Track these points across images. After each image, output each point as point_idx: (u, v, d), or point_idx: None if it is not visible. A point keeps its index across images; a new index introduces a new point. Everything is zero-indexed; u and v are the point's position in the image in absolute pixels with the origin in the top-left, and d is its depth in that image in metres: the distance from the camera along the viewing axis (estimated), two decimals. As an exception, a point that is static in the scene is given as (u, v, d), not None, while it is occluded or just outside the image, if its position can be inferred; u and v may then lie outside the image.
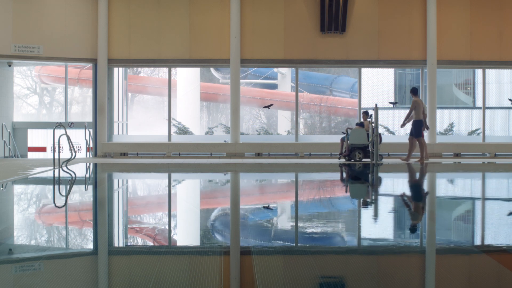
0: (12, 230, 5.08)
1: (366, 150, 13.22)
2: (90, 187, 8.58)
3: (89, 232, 5.11)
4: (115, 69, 15.99)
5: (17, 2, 14.73)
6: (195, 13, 15.41)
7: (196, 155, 15.47)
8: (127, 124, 17.35)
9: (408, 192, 8.62)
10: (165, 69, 16.65)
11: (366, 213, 6.16)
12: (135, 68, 19.48)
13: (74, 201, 7.08)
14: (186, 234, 5.11)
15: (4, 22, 14.60)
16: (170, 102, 15.79)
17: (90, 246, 4.56)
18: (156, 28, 15.40)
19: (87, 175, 10.89)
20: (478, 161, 14.58)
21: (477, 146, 15.67)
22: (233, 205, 6.88)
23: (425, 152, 13.11)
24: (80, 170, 11.36)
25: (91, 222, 5.63)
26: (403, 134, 15.24)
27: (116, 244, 4.58)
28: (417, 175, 11.12)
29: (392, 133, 16.67)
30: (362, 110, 14.28)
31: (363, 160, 13.25)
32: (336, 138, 15.19)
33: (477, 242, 4.70)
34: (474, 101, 17.50)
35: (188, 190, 8.83)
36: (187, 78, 19.00)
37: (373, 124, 12.66)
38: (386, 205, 6.95)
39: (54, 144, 11.34)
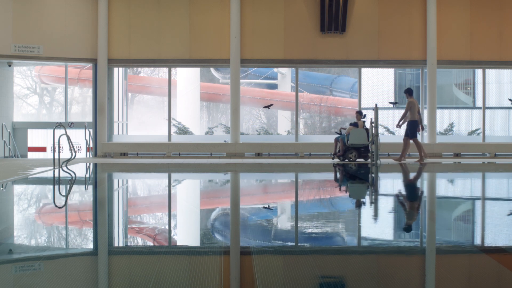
0: (12, 230, 5.08)
1: (360, 150, 13.23)
2: (90, 187, 8.58)
3: (89, 232, 5.11)
4: (115, 69, 15.99)
5: (17, 2, 14.73)
6: (195, 13, 15.41)
7: (196, 155, 15.47)
8: (127, 124, 17.35)
9: (408, 192, 8.62)
10: (165, 69, 16.65)
11: (366, 213, 6.15)
12: (135, 68, 19.47)
13: (74, 201, 7.08)
14: (186, 234, 5.11)
15: (4, 22, 14.60)
16: (170, 102, 15.79)
17: (90, 246, 4.56)
18: (156, 28, 15.41)
19: (87, 175, 10.89)
20: (478, 161, 14.58)
21: (477, 146, 15.67)
22: (233, 205, 6.88)
23: (423, 152, 13.13)
24: (80, 170, 11.36)
25: (91, 222, 5.63)
26: (403, 134, 15.22)
27: (116, 244, 4.58)
28: (416, 175, 11.12)
29: (392, 133, 16.67)
30: (356, 110, 14.29)
31: (357, 160, 13.27)
32: (336, 138, 15.19)
33: (477, 242, 4.70)
34: (474, 101, 17.50)
35: (188, 190, 8.83)
36: (187, 78, 19.00)
37: (373, 124, 12.65)
38: (386, 205, 6.95)
39: (54, 144, 11.34)
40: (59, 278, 3.41)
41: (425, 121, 15.58)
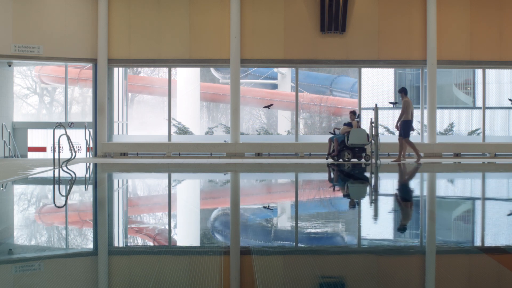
0: (12, 230, 5.08)
1: (354, 150, 13.25)
2: (90, 187, 8.58)
3: (89, 232, 5.11)
4: (115, 69, 15.99)
5: (17, 2, 14.73)
6: (195, 13, 15.41)
7: (196, 155, 15.47)
8: (127, 124, 17.35)
9: (408, 192, 8.62)
10: (165, 69, 16.65)
11: (366, 213, 6.15)
12: (135, 68, 19.47)
13: (74, 201, 7.08)
14: (186, 234, 5.11)
15: (4, 22, 14.60)
16: (170, 102, 15.79)
17: (90, 246, 4.56)
18: (156, 28, 15.41)
19: (87, 175, 10.89)
20: (478, 161, 14.58)
21: (477, 146, 15.67)
22: (233, 205, 6.88)
23: (403, 153, 13.24)
24: (80, 170, 11.36)
25: (91, 222, 5.63)
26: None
27: (116, 244, 4.58)
28: (416, 175, 11.12)
29: (392, 133, 16.67)
30: (350, 110, 14.31)
31: (352, 160, 13.27)
32: (336, 138, 15.18)
33: (477, 242, 4.70)
34: (474, 101, 17.50)
35: (188, 190, 8.83)
36: (187, 78, 18.99)
37: (373, 124, 12.66)
38: (385, 205, 6.95)
39: (54, 144, 11.34)
40: (59, 278, 3.41)
41: (425, 121, 15.60)
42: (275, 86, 19.59)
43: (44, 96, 21.85)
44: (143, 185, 9.64)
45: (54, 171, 10.44)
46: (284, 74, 19.24)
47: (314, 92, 19.10)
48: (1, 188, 8.12)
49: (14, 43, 14.61)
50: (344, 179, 10.40)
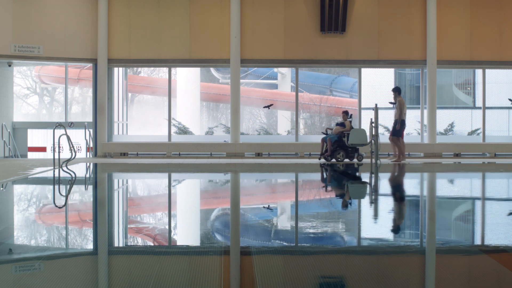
0: (12, 230, 5.08)
1: (347, 150, 13.26)
2: (90, 187, 8.58)
3: (89, 232, 5.11)
4: (115, 69, 15.99)
5: (17, 2, 14.73)
6: (195, 13, 15.41)
7: (196, 155, 15.47)
8: (127, 124, 17.35)
9: (408, 192, 8.62)
10: (165, 69, 16.65)
11: (366, 213, 6.15)
12: (135, 68, 19.47)
13: (74, 201, 7.08)
14: (186, 234, 5.11)
15: (4, 22, 14.60)
16: (170, 102, 15.79)
17: (90, 246, 4.56)
18: (156, 28, 15.41)
19: (87, 175, 10.89)
20: (478, 161, 14.58)
21: (477, 146, 15.67)
22: (233, 205, 6.88)
23: (397, 153, 13.26)
24: (80, 170, 11.36)
25: (91, 222, 5.63)
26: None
27: (116, 244, 4.58)
28: (415, 175, 11.12)
29: (392, 133, 16.65)
30: (342, 110, 14.33)
31: (344, 160, 13.28)
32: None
33: (477, 242, 4.70)
34: (474, 101, 17.50)
35: (188, 190, 8.83)
36: (187, 78, 18.99)
37: (373, 124, 12.65)
38: (385, 205, 6.95)
39: (54, 144, 11.34)
40: (59, 278, 3.41)
41: (425, 121, 15.60)
42: (275, 86, 19.59)
43: (44, 96, 21.85)
44: (143, 185, 9.64)
45: (54, 171, 10.44)
46: (284, 74, 19.24)
47: (314, 92, 19.10)
48: (1, 188, 8.12)
49: (14, 43, 14.61)
50: (343, 179, 10.39)
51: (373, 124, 12.63)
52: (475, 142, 15.90)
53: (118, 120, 16.41)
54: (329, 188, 8.96)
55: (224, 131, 16.97)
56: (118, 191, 8.62)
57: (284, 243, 4.59)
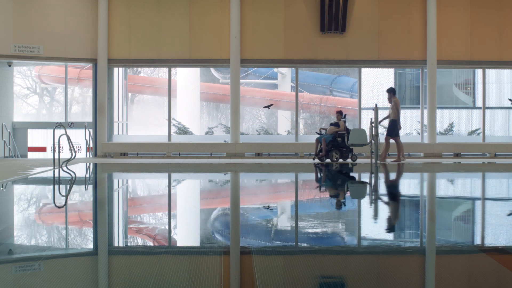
0: (12, 230, 5.08)
1: (342, 150, 13.26)
2: (90, 187, 8.58)
3: (89, 232, 5.11)
4: (115, 69, 15.99)
5: (17, 2, 14.73)
6: (195, 13, 15.41)
7: (196, 155, 15.47)
8: (127, 124, 17.35)
9: (408, 192, 8.62)
10: (165, 69, 16.65)
11: (366, 213, 6.15)
12: (135, 68, 19.47)
13: (74, 201, 7.08)
14: (186, 234, 5.11)
15: (4, 22, 14.60)
16: (170, 102, 15.79)
17: (90, 246, 4.56)
18: (156, 28, 15.41)
19: (87, 175, 10.89)
20: (478, 161, 14.58)
21: (477, 146, 15.67)
22: (233, 205, 6.88)
23: (385, 153, 13.24)
24: (80, 170, 11.36)
25: (91, 222, 5.63)
26: (403, 134, 15.23)
27: (116, 244, 4.58)
28: (415, 175, 11.12)
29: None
30: (336, 110, 14.33)
31: (339, 160, 13.27)
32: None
33: (477, 242, 4.70)
34: (474, 101, 17.50)
35: (188, 190, 8.83)
36: (187, 78, 18.99)
37: (373, 124, 12.66)
38: (385, 205, 6.95)
39: (54, 144, 11.34)
40: (59, 278, 3.41)
41: (425, 121, 15.61)
42: (275, 86, 19.59)
43: (44, 96, 21.85)
44: (143, 185, 9.64)
45: (54, 171, 10.44)
46: (284, 74, 19.24)
47: (314, 92, 19.10)
48: (1, 188, 8.12)
49: (14, 43, 14.61)
50: (343, 179, 10.39)
51: (373, 124, 12.64)
52: (475, 142, 15.90)
53: (118, 120, 16.41)
54: (329, 188, 8.96)
55: (224, 131, 16.97)
56: (118, 191, 8.62)
57: (284, 243, 4.59)
